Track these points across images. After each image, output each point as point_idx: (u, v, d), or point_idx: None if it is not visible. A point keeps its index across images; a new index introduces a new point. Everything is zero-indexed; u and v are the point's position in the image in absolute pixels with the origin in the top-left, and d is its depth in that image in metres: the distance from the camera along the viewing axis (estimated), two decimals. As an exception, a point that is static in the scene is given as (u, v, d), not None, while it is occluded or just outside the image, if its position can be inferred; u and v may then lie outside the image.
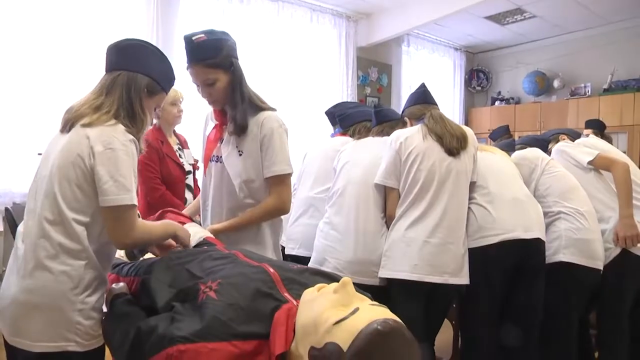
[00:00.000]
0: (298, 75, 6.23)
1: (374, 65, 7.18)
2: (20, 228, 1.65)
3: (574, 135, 3.61)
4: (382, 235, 2.58)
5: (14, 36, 4.29)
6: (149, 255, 1.93)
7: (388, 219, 2.60)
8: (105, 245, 1.62)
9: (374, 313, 1.14)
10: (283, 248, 2.95)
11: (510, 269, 2.57)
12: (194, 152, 3.58)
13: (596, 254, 2.71)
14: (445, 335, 3.08)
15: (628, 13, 6.56)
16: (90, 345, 1.56)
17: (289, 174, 2.11)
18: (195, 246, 1.86)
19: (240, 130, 2.06)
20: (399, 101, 7.21)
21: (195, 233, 1.93)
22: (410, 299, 2.43)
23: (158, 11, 5.06)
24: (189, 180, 3.33)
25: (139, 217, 1.68)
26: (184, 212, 2.42)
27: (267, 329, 1.28)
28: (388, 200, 2.60)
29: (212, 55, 1.98)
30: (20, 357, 1.55)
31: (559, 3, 6.29)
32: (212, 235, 1.99)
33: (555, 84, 7.50)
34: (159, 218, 2.10)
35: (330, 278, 1.47)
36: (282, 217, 2.74)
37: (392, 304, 1.39)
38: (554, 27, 7.18)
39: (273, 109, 2.14)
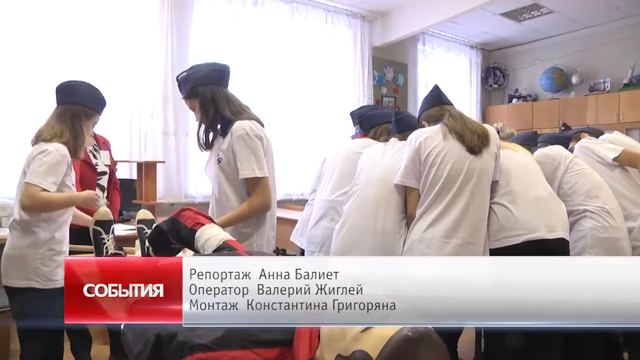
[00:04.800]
0: (313, 76, 6.24)
1: (390, 65, 7.15)
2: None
3: (596, 134, 3.53)
4: (401, 238, 2.52)
5: (24, 41, 4.34)
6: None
7: (409, 220, 2.55)
8: (54, 216, 2.36)
9: (401, 319, 1.12)
10: (303, 251, 2.92)
11: None
12: (118, 153, 3.92)
13: (623, 253, 2.64)
14: (467, 336, 3.04)
15: (647, 6, 6.46)
16: (47, 285, 2.30)
17: (256, 178, 2.29)
18: (214, 250, 1.83)
19: (204, 146, 2.43)
20: (416, 100, 7.17)
21: (215, 235, 1.90)
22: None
23: (172, 15, 5.09)
24: (103, 181, 3.29)
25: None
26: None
27: (290, 336, 1.26)
28: (408, 201, 2.55)
29: (185, 89, 2.39)
30: (8, 293, 2.35)
31: (576, -3, 6.22)
32: (232, 238, 1.96)
33: (574, 79, 7.42)
34: (177, 215, 2.08)
35: None
36: (301, 219, 3.08)
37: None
38: (572, 22, 7.09)
39: (250, 118, 2.34)
